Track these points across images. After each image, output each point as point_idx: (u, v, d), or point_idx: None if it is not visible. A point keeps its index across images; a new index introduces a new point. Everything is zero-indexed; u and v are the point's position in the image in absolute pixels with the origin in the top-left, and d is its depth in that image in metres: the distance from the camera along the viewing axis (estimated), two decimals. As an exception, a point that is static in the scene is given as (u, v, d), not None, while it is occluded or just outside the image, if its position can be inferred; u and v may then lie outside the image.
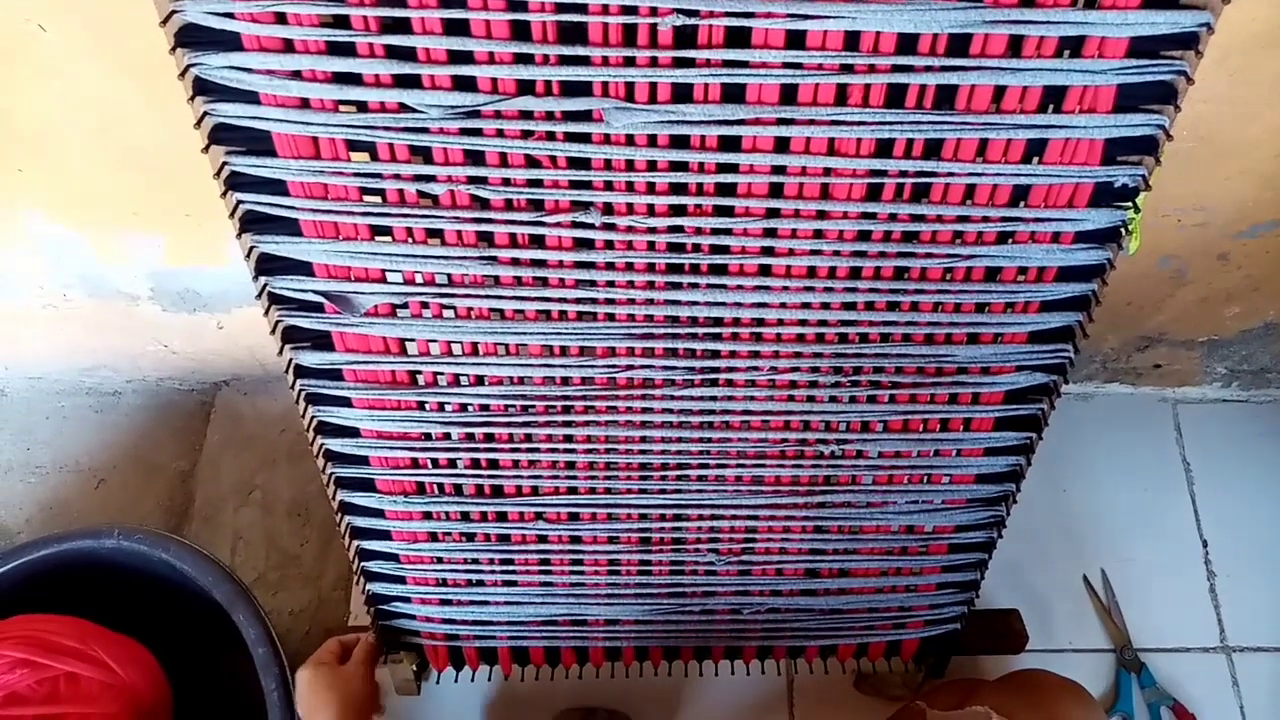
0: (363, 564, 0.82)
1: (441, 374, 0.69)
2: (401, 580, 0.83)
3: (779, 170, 0.58)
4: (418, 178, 0.58)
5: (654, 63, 0.53)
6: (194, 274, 0.96)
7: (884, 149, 0.57)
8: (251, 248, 0.61)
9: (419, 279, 0.63)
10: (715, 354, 0.68)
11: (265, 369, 1.13)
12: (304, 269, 0.63)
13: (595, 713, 0.95)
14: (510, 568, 0.83)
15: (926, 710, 0.87)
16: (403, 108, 0.55)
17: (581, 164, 0.57)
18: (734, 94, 0.55)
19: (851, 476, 0.77)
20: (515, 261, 0.62)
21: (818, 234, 0.60)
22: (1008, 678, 0.89)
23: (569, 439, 0.74)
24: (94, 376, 1.15)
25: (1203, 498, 1.12)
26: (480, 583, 0.84)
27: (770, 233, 0.60)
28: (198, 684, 0.93)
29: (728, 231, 0.60)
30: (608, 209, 0.60)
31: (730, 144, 0.57)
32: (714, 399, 0.70)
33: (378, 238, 0.61)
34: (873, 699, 1.00)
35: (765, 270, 0.62)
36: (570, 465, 0.76)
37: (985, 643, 0.95)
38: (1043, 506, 1.09)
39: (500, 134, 0.56)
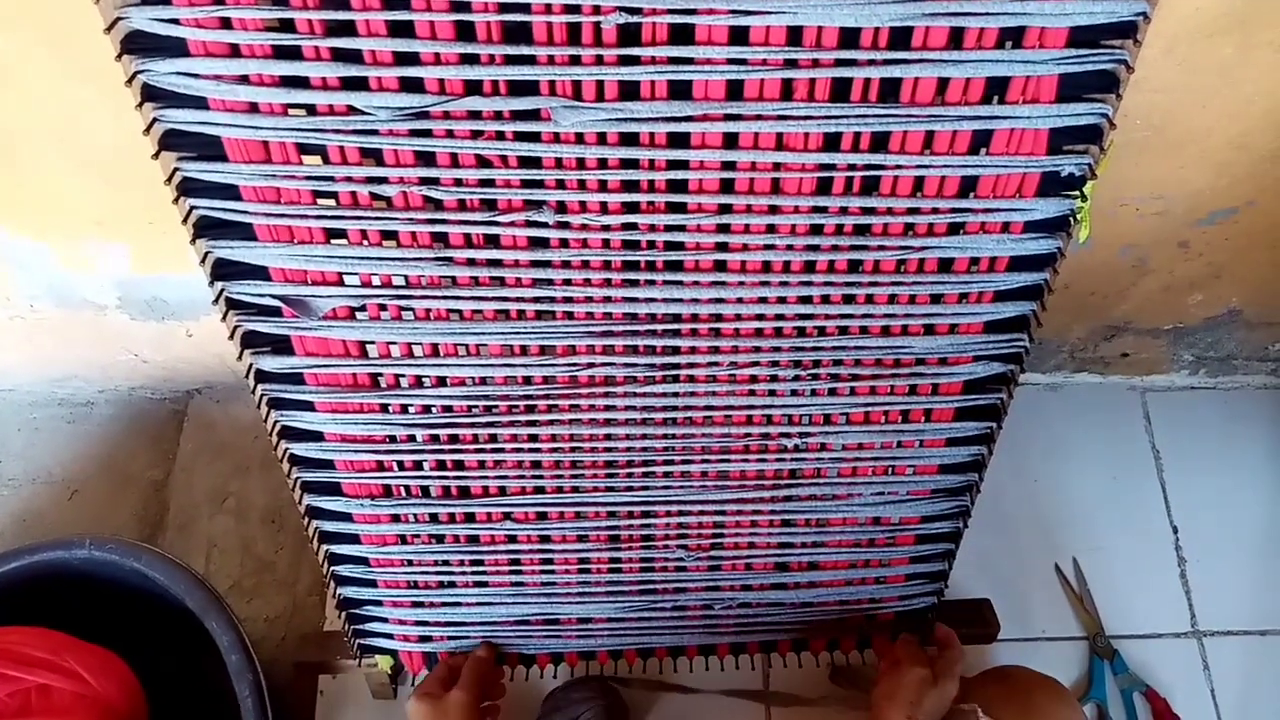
0: (333, 568, 0.82)
1: (403, 376, 0.70)
2: (372, 584, 0.84)
3: (729, 166, 0.58)
4: (369, 180, 0.58)
5: (599, 60, 0.53)
6: (161, 282, 0.96)
7: (832, 143, 0.58)
8: (207, 253, 0.62)
9: (375, 281, 0.64)
10: (675, 350, 0.68)
11: (236, 376, 1.13)
12: (260, 273, 0.63)
13: (587, 683, 0.95)
14: (481, 568, 0.83)
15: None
16: (351, 110, 0.55)
17: (532, 163, 0.58)
18: (681, 90, 0.55)
19: (816, 469, 0.78)
20: (471, 262, 0.62)
21: (770, 229, 0.61)
22: (986, 674, 0.89)
23: (533, 438, 0.74)
24: (65, 387, 1.15)
25: (1172, 484, 1.13)
26: (452, 584, 0.84)
27: (724, 228, 0.61)
28: (172, 693, 0.93)
29: (681, 228, 0.61)
30: (561, 207, 0.60)
31: (679, 140, 0.57)
32: (676, 395, 0.71)
33: (332, 241, 0.62)
34: (849, 692, 1.01)
35: (720, 266, 0.63)
36: (536, 464, 0.76)
37: (957, 633, 0.96)
38: (1013, 496, 1.10)
39: (450, 134, 0.56)
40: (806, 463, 0.77)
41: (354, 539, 0.80)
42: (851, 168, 0.59)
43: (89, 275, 0.95)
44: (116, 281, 0.96)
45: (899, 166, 0.59)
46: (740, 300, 0.65)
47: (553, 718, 0.92)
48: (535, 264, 0.62)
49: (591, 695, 0.93)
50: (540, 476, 0.77)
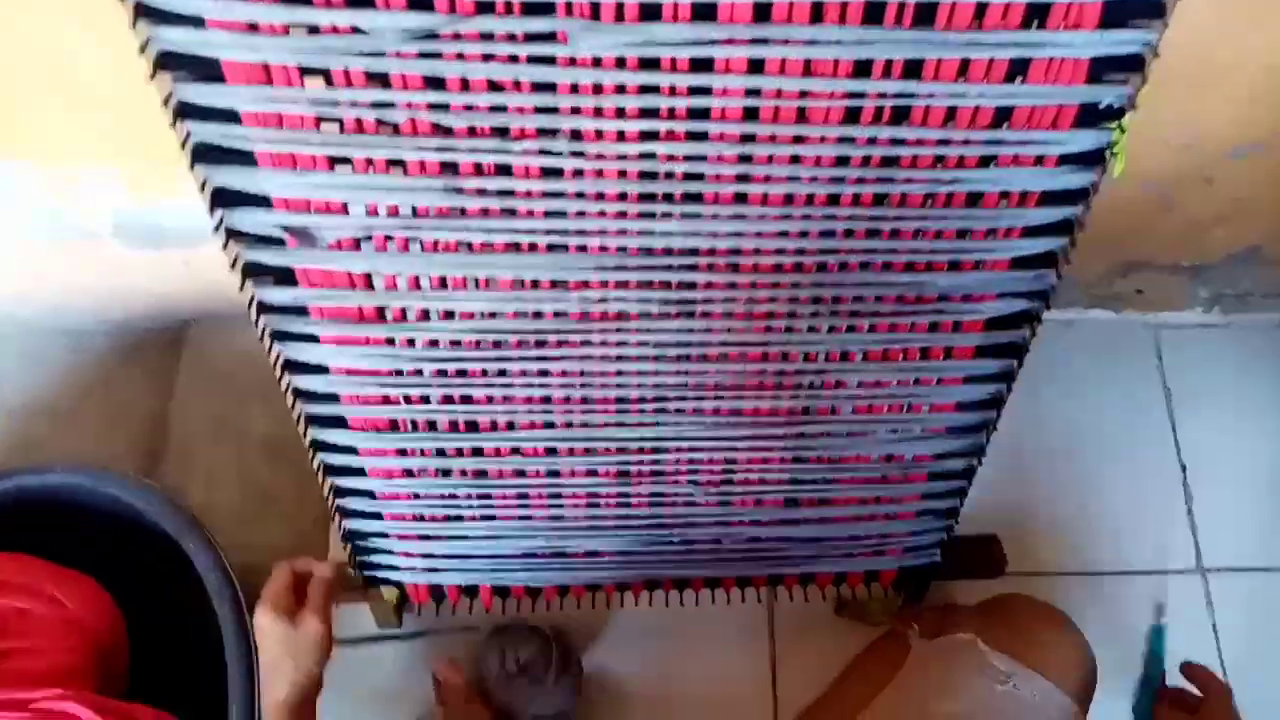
0: (338, 501, 0.81)
1: (409, 309, 0.67)
2: (378, 517, 0.83)
3: (754, 94, 0.55)
4: (376, 105, 0.56)
5: (620, -22, 0.50)
6: (157, 210, 0.93)
7: (862, 70, 0.55)
8: (206, 180, 0.59)
9: (382, 211, 0.61)
10: (691, 285, 0.66)
11: (234, 306, 1.09)
12: (262, 202, 0.60)
13: (514, 627, 0.95)
14: (488, 502, 0.82)
15: (911, 639, 0.88)
16: (356, 30, 0.52)
17: (547, 88, 0.55)
18: (705, 12, 0.52)
19: (831, 406, 0.76)
20: (481, 192, 0.60)
21: (795, 159, 0.58)
22: (987, 604, 0.89)
23: (544, 373, 0.72)
24: (62, 316, 1.12)
25: (1182, 422, 1.12)
26: (459, 517, 0.84)
27: (746, 159, 0.58)
28: (152, 617, 0.93)
29: (702, 158, 0.58)
30: (576, 135, 0.57)
31: (702, 66, 0.54)
32: (690, 331, 0.69)
33: (337, 168, 0.59)
34: (853, 624, 1.01)
35: (741, 198, 0.60)
36: (546, 400, 0.74)
37: (965, 569, 0.96)
38: (1023, 432, 1.09)
39: (460, 57, 0.53)
40: (821, 399, 0.75)
41: (360, 472, 0.79)
42: (882, 96, 0.56)
43: (84, 203, 0.92)
44: (112, 209, 0.93)
45: (931, 95, 0.56)
46: (760, 234, 0.62)
47: (492, 658, 0.92)
48: (548, 194, 0.60)
49: (535, 635, 0.93)
50: (550, 411, 0.75)
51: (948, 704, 0.81)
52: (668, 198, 0.60)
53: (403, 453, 0.77)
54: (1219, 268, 1.08)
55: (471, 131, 0.57)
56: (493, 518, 0.84)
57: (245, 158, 0.58)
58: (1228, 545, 1.07)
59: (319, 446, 0.77)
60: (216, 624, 0.84)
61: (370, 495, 0.81)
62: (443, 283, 0.66)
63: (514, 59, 0.54)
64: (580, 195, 0.60)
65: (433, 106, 0.56)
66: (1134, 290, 1.10)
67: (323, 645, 0.79)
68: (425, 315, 0.68)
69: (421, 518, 0.83)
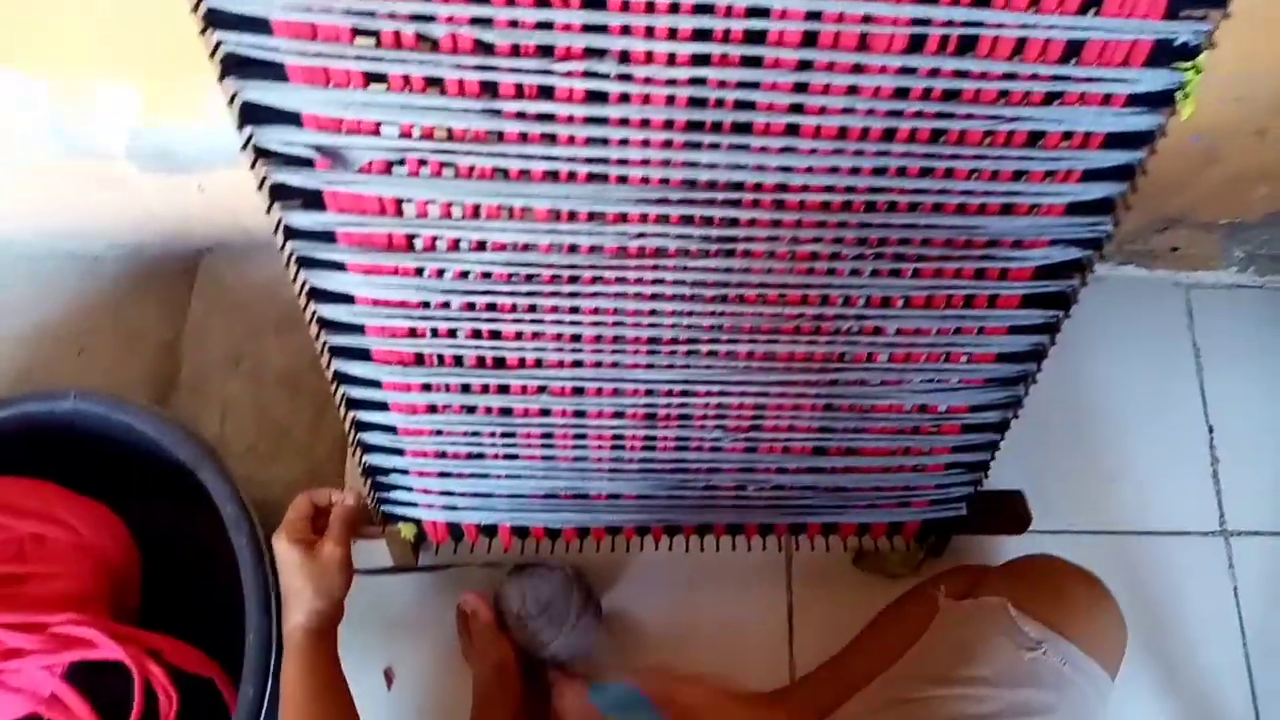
0: (359, 435, 0.80)
1: (440, 238, 0.65)
2: (400, 452, 0.81)
3: (813, 16, 0.53)
4: (415, 18, 0.53)
5: (682, -113, 0.47)
6: (172, 130, 0.91)
7: (930, -5, 0.52)
8: (234, 94, 0.56)
9: (416, 133, 0.59)
10: (734, 222, 0.63)
11: (250, 235, 1.08)
12: (292, 119, 0.58)
13: (535, 566, 0.94)
14: (512, 441, 0.81)
15: (939, 599, 0.87)
16: (400, -66, 0.49)
17: (597, 4, 0.52)
18: (769, -73, 0.49)
19: (867, 354, 0.74)
20: (521, 115, 0.57)
21: (852, 90, 0.56)
22: (1017, 564, 0.88)
23: (575, 310, 0.70)
24: (70, 240, 1.10)
25: (1210, 383, 1.10)
26: (481, 456, 0.82)
27: (801, 87, 0.56)
28: (166, 548, 0.92)
29: (755, 85, 0.55)
30: (624, 57, 0.54)
31: (761, -14, 0.52)
32: (730, 270, 0.67)
33: (372, 85, 0.56)
34: (871, 577, 1.00)
35: (792, 130, 0.58)
36: (576, 338, 0.72)
37: (988, 523, 0.95)
38: (1048, 388, 1.06)
39: (508, -32, 0.50)
40: (858, 346, 0.73)
41: (382, 406, 0.77)
42: (949, 24, 0.53)
43: (96, 121, 0.89)
44: (125, 128, 0.90)
45: (1000, 25, 0.53)
46: (810, 169, 0.60)
47: (513, 596, 0.91)
48: (591, 120, 0.57)
49: (556, 575, 0.92)
50: (579, 350, 0.73)
51: (974, 668, 0.80)
52: (716, 127, 0.58)
53: (427, 388, 0.76)
54: (1258, 227, 1.05)
55: (514, 50, 0.54)
56: (515, 457, 0.82)
57: (276, 71, 0.55)
58: (1252, 508, 1.05)
59: (341, 379, 0.75)
60: (231, 555, 0.83)
61: (392, 431, 0.79)
62: (476, 211, 0.63)
63: (564, -28, 0.51)
64: (625, 122, 0.57)
65: (475, 21, 0.53)
66: (1169, 248, 1.08)
67: (343, 573, 0.79)
68: (456, 245, 0.66)
69: (443, 455, 0.82)
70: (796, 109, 0.57)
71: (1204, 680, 0.99)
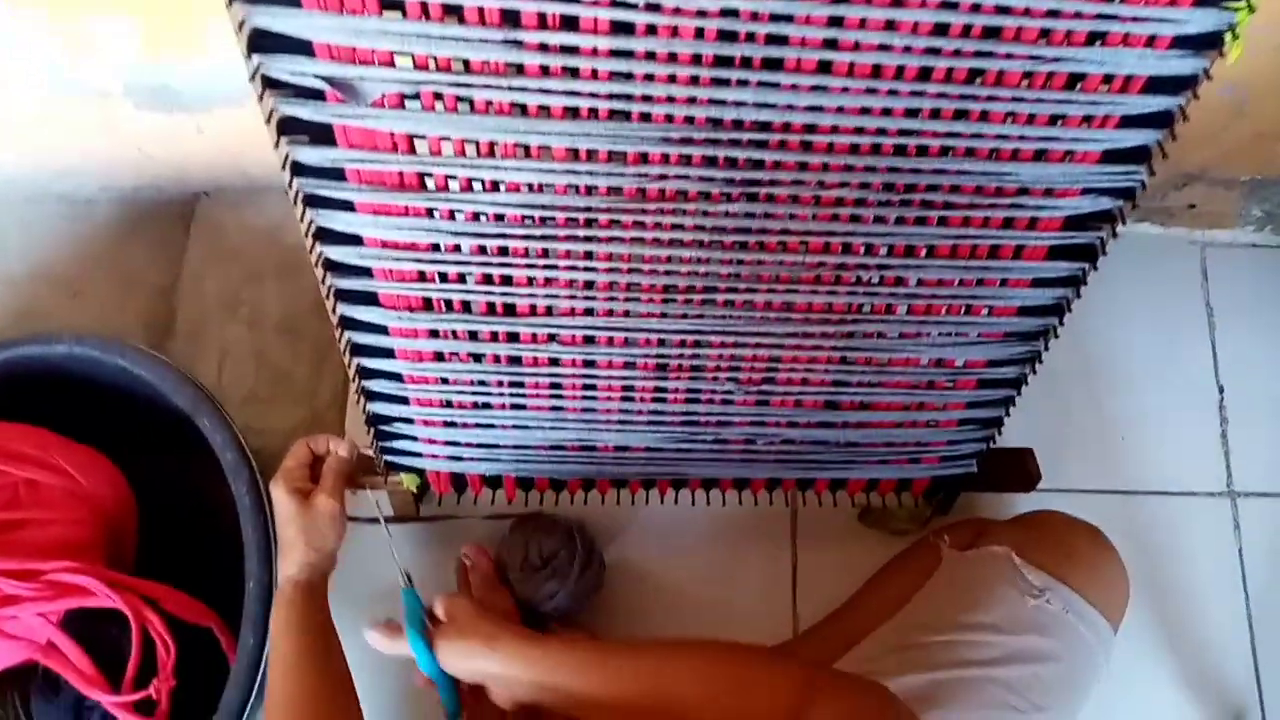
0: (363, 383, 0.78)
1: (454, 178, 0.63)
2: (404, 401, 0.79)
3: (852, -54, 0.50)
4: (435, -61, 0.50)
5: None
6: (171, 68, 0.87)
7: (975, -75, 0.50)
8: (242, 21, 0.54)
9: (433, 64, 0.56)
10: (758, 164, 0.61)
11: (249, 178, 1.05)
12: (303, 48, 0.55)
13: (539, 518, 0.93)
14: (519, 390, 0.79)
15: (943, 549, 0.86)
16: None
17: (627, -71, 0.50)
18: None
19: (887, 305, 0.73)
20: (543, 47, 0.55)
21: (889, 25, 0.53)
22: (1023, 519, 0.87)
23: (589, 255, 0.68)
24: (63, 182, 1.07)
25: (1223, 344, 1.09)
26: (487, 405, 0.80)
27: (836, 21, 0.53)
28: (163, 495, 0.91)
29: (788, 19, 0.53)
30: (653, -13, 0.52)
31: (800, -89, 0.49)
32: (751, 216, 0.65)
33: (386, 13, 0.54)
34: (876, 533, 1.00)
35: (825, 67, 0.56)
36: (589, 285, 0.71)
37: (997, 480, 0.94)
38: (1058, 345, 1.05)
39: (535, -114, 0.48)
40: (878, 298, 0.72)
41: (388, 353, 0.75)
42: (993, -43, 0.51)
43: (92, 56, 0.86)
44: (122, 65, 0.87)
45: (1047, -41, 0.51)
46: (840, 109, 0.58)
47: (516, 549, 0.90)
48: (616, 53, 0.55)
49: (559, 528, 0.91)
50: (592, 298, 0.71)
51: (976, 615, 0.80)
52: (745, 62, 0.55)
53: (434, 334, 0.74)
54: (1278, 185, 1.03)
55: (538, -24, 0.52)
56: (522, 407, 0.81)
57: (287, -5, 0.52)
58: (1259, 470, 1.05)
59: (346, 324, 0.73)
60: (229, 504, 0.81)
61: (397, 378, 0.77)
62: (491, 150, 0.61)
63: (593, -109, 0.48)
64: (651, 56, 0.55)
65: (497, -56, 0.50)
66: (1186, 205, 1.06)
67: (335, 526, 0.78)
68: (469, 185, 0.63)
69: (449, 404, 0.80)
70: (830, 44, 0.54)
71: (1206, 640, 0.99)
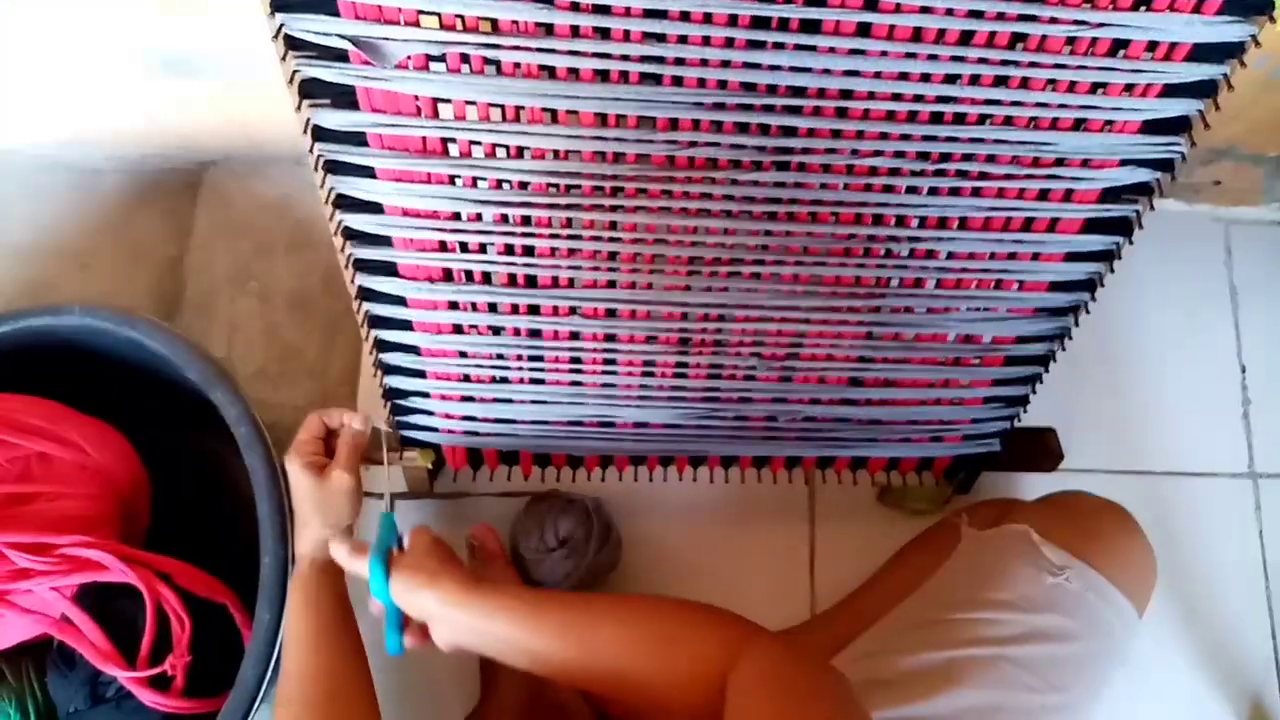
0: (381, 356, 0.76)
1: (478, 144, 0.61)
2: (422, 374, 0.78)
3: (897, -98, 0.49)
4: (466, -108, 0.49)
5: None
6: (182, 31, 0.86)
7: (1026, -120, 0.48)
8: (264, -24, 0.52)
9: (460, 24, 0.55)
10: (791, 131, 0.60)
11: (259, 149, 1.04)
12: (327, 7, 0.53)
13: (555, 496, 0.92)
14: (538, 365, 0.78)
15: (962, 528, 0.85)
16: None
17: (665, -118, 0.48)
18: None
19: (916, 279, 0.71)
20: (574, 5, 0.53)
21: (933, -15, 0.52)
22: (1045, 499, 0.86)
23: (614, 225, 0.67)
24: (70, 150, 1.05)
25: (1246, 323, 1.08)
26: (505, 380, 0.79)
27: (877, -18, 0.52)
28: (175, 469, 0.89)
29: (828, -22, 0.52)
30: (689, -56, 0.50)
31: None
32: (782, 185, 0.63)
33: (414, -30, 0.52)
34: (896, 513, 0.99)
35: (864, 30, 0.54)
36: (613, 256, 0.69)
37: (1018, 460, 0.93)
38: (1081, 323, 1.05)
39: None
40: (907, 271, 0.70)
41: (406, 325, 0.74)
42: (1043, -86, 0.49)
43: (98, 21, 0.84)
44: (131, 28, 0.85)
45: (1098, -83, 0.49)
46: (878, 75, 0.56)
47: (532, 528, 0.89)
48: (650, 13, 0.53)
49: (575, 506, 0.90)
50: (615, 270, 0.70)
51: (994, 592, 0.78)
52: (783, 24, 0.54)
53: (454, 306, 0.72)
54: (1305, 162, 1.02)
55: (571, -68, 0.50)
56: (541, 381, 0.79)
57: (311, -50, 0.51)
58: (1282, 451, 1.04)
59: (365, 295, 0.71)
60: (242, 479, 0.80)
61: (415, 351, 0.76)
62: (518, 115, 0.60)
63: None
64: (685, 15, 0.53)
65: (530, -102, 0.49)
66: (1212, 181, 1.05)
67: (351, 501, 0.77)
68: (494, 152, 0.62)
69: (467, 378, 0.79)
70: (871, 5, 0.53)
71: (1225, 621, 0.98)
